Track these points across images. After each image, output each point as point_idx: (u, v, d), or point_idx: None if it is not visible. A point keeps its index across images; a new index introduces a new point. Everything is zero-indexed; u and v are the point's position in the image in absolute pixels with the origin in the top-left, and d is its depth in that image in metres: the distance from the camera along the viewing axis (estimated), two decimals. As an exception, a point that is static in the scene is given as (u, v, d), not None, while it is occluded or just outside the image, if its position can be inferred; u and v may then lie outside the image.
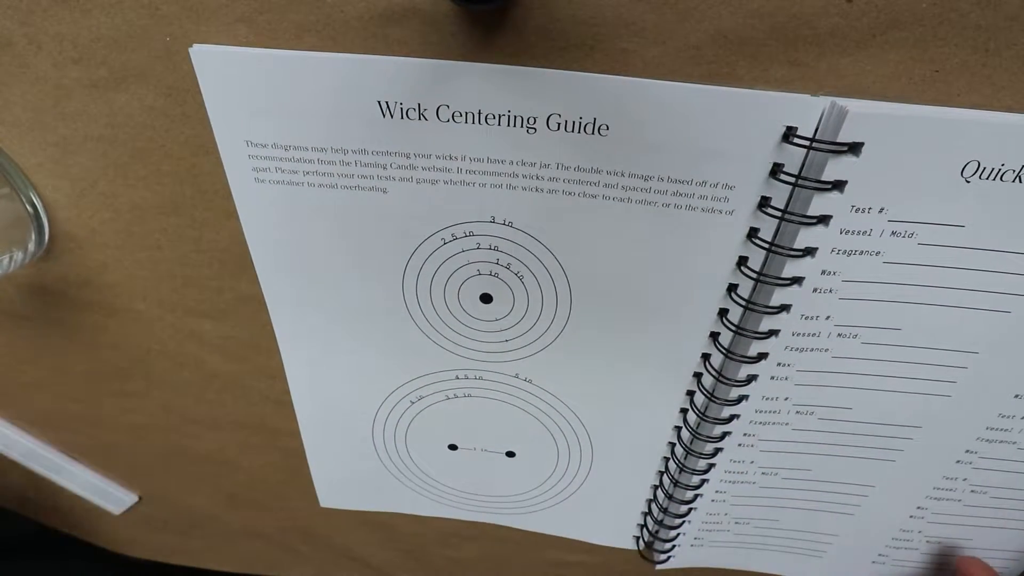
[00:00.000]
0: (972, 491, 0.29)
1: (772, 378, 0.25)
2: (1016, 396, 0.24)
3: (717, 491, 0.31)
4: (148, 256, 0.26)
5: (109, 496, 0.42)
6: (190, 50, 0.20)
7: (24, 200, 0.25)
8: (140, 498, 0.44)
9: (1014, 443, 0.26)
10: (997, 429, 0.26)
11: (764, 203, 0.21)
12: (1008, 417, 0.25)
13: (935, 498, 0.29)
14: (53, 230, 0.26)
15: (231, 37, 0.20)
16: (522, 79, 0.19)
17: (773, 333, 0.24)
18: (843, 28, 0.17)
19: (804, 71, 0.18)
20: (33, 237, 0.26)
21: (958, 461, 0.27)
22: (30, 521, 0.47)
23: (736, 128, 0.19)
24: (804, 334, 0.24)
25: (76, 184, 0.24)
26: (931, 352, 0.24)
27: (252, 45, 0.20)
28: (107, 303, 0.28)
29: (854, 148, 0.19)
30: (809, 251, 0.21)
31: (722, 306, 0.24)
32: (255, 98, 0.20)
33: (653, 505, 0.33)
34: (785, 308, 0.23)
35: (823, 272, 0.22)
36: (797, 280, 0.22)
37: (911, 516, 0.31)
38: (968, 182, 0.19)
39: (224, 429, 0.35)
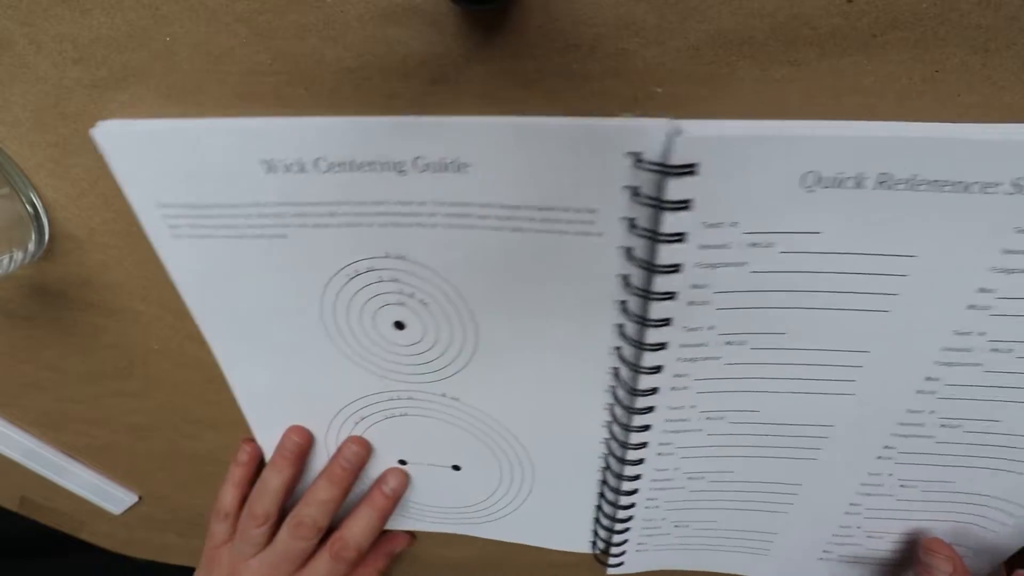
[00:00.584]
0: (902, 486, 0.29)
1: (673, 388, 0.26)
2: (919, 392, 0.25)
3: (649, 498, 0.32)
4: (148, 256, 0.26)
5: (109, 496, 0.42)
6: (92, 130, 0.22)
7: (24, 200, 0.25)
8: (140, 498, 0.44)
9: (931, 437, 0.27)
10: (909, 424, 0.26)
11: (633, 223, 0.22)
12: (916, 412, 0.26)
13: (865, 494, 0.30)
14: (53, 230, 0.26)
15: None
16: (387, 128, 0.20)
17: (662, 346, 0.25)
18: (843, 28, 0.17)
19: (804, 71, 0.18)
20: (33, 237, 0.26)
21: (879, 457, 0.28)
22: (30, 521, 0.47)
23: (588, 156, 0.20)
24: (692, 344, 0.25)
25: (76, 184, 0.24)
26: (821, 353, 0.24)
27: (164, 111, 0.21)
28: (107, 303, 0.28)
29: (692, 168, 0.20)
30: (675, 267, 0.22)
31: (618, 321, 0.25)
32: (159, 164, 0.22)
33: (601, 512, 0.34)
34: (666, 321, 0.24)
35: (694, 286, 0.23)
36: (670, 295, 0.23)
37: (846, 512, 0.31)
38: (811, 191, 0.20)
39: (224, 429, 0.35)
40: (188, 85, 0.21)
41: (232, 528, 0.35)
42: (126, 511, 0.44)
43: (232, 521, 0.35)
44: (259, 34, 0.19)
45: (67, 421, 0.37)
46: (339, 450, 0.33)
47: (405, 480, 0.35)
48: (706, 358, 0.25)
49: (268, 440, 0.34)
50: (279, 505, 0.33)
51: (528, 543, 0.38)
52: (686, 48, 0.18)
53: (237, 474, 0.35)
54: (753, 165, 0.19)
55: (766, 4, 0.17)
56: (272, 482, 0.33)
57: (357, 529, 0.34)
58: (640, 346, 0.25)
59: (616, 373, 0.27)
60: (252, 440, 0.34)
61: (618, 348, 0.26)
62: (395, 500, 0.35)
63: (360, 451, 0.33)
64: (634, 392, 0.26)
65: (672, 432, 0.28)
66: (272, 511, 0.33)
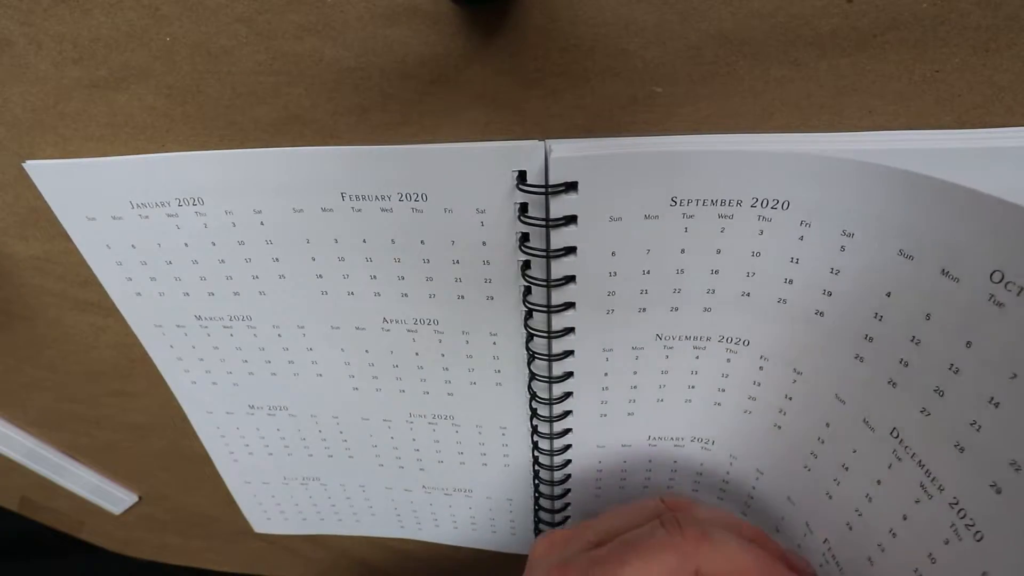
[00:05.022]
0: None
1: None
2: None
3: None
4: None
5: (109, 496, 0.42)
6: (23, 165, 0.23)
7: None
8: (140, 498, 0.44)
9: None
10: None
11: (525, 239, 0.23)
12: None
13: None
14: (53, 229, 0.26)
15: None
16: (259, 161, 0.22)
17: (569, 353, 0.26)
18: (843, 28, 0.17)
19: (804, 71, 0.18)
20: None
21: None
22: (30, 521, 0.47)
23: (484, 178, 0.21)
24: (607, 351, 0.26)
25: (76, 184, 0.24)
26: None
27: (89, 150, 0.23)
28: (107, 303, 0.28)
29: (573, 187, 0.20)
30: (569, 279, 0.23)
31: (527, 333, 0.26)
32: (89, 197, 0.24)
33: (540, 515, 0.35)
34: (570, 330, 0.25)
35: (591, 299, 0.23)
36: (570, 305, 0.24)
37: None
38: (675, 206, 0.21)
39: (224, 429, 0.35)
40: (188, 85, 0.21)
41: None
42: (126, 511, 0.44)
43: None
44: (259, 34, 0.19)
45: (67, 421, 0.37)
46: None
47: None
48: (616, 372, 0.26)
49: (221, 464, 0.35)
50: None
51: (471, 547, 0.39)
52: (686, 48, 0.18)
53: None
54: (628, 183, 0.20)
55: (766, 4, 0.17)
56: None
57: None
58: (544, 358, 0.26)
59: (532, 397, 0.28)
60: None
61: (530, 361, 0.27)
62: None
63: None
64: (548, 419, 0.28)
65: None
66: None
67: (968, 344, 0.18)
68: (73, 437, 0.39)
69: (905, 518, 0.21)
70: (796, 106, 0.19)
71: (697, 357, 0.25)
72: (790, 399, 0.25)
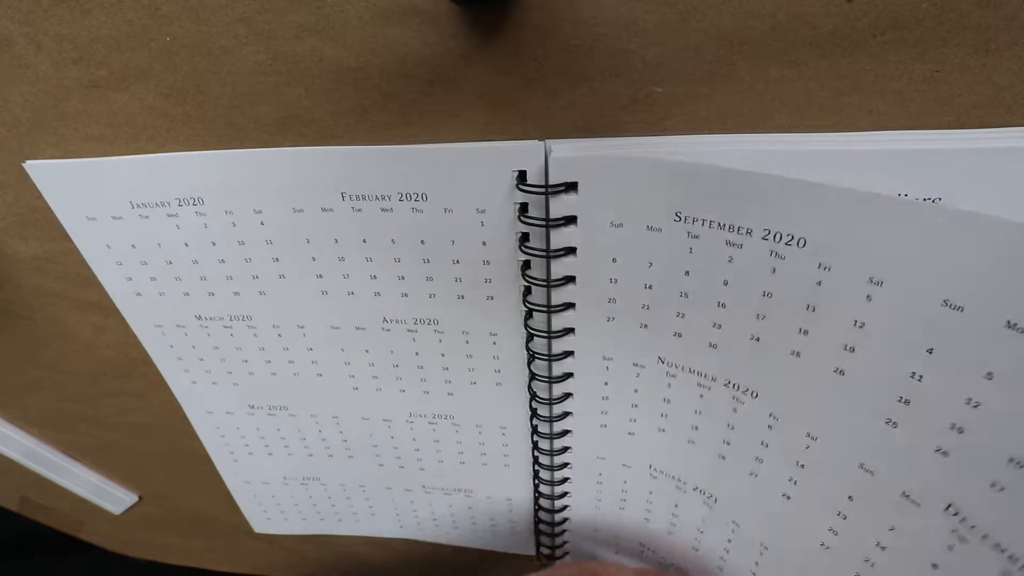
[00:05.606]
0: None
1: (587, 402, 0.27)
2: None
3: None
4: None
5: (109, 496, 0.42)
6: (23, 165, 0.23)
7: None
8: (140, 498, 0.44)
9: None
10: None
11: (525, 239, 0.23)
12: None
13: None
14: (55, 229, 0.26)
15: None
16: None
17: (569, 354, 0.26)
18: (843, 28, 0.17)
19: (804, 71, 0.18)
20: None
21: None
22: (30, 521, 0.47)
23: (484, 178, 0.21)
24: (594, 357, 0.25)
25: (76, 184, 0.24)
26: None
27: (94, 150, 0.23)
28: (107, 303, 0.28)
29: (573, 187, 0.20)
30: (569, 279, 0.23)
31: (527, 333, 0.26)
32: (89, 197, 0.24)
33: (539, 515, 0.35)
34: (570, 330, 0.25)
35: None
36: (570, 305, 0.24)
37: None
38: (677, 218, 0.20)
39: (224, 429, 0.35)
40: (188, 85, 0.21)
41: None
42: (126, 511, 0.44)
43: None
44: (259, 34, 0.19)
45: (67, 421, 0.37)
46: None
47: None
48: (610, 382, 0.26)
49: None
50: None
51: (477, 547, 0.39)
52: (686, 48, 0.18)
53: None
54: (629, 184, 0.20)
55: (766, 4, 0.17)
56: None
57: None
58: (543, 357, 0.26)
59: (531, 400, 0.28)
60: None
61: (530, 361, 0.27)
62: None
63: None
64: (547, 419, 0.28)
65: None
66: None
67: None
68: (73, 437, 0.39)
69: (892, 528, 0.20)
70: (796, 106, 0.19)
71: (701, 396, 0.24)
72: (802, 467, 0.22)
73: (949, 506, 0.18)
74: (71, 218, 0.25)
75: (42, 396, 0.36)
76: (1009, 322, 0.15)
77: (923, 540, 0.19)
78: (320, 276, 0.25)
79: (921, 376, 0.17)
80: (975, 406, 0.16)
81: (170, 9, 0.19)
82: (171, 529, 0.46)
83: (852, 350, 0.19)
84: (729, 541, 0.28)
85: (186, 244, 0.25)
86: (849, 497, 0.21)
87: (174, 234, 0.25)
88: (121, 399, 0.35)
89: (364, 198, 0.22)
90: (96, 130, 0.22)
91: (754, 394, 0.23)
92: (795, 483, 0.23)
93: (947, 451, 0.18)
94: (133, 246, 0.25)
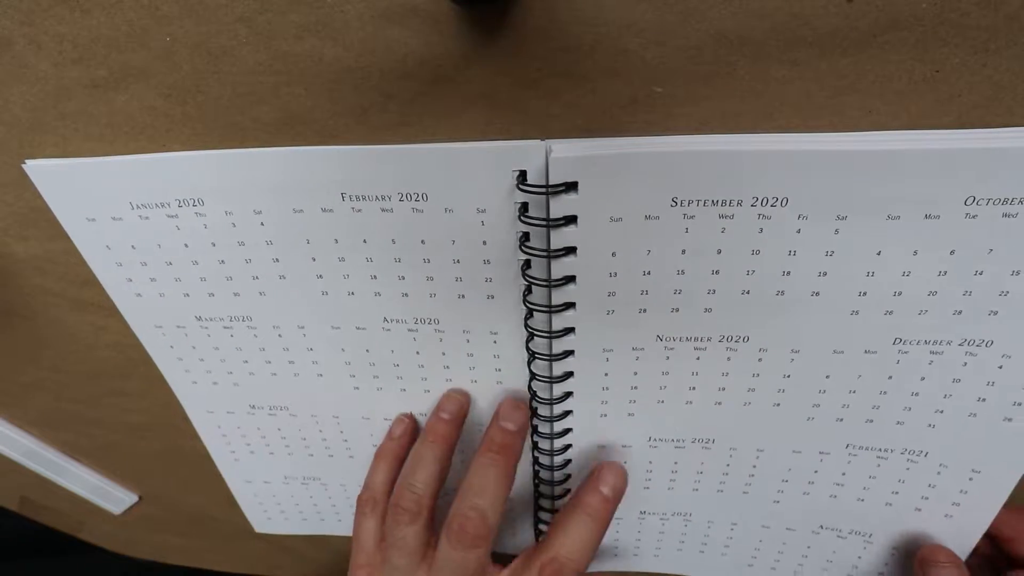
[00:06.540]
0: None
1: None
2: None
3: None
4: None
5: (109, 496, 0.42)
6: (23, 165, 0.23)
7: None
8: (140, 498, 0.44)
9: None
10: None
11: (525, 238, 0.23)
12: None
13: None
14: (54, 229, 0.26)
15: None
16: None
17: (569, 353, 0.26)
18: (843, 28, 0.17)
19: (804, 71, 0.18)
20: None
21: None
22: (30, 521, 0.47)
23: (484, 178, 0.21)
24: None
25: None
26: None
27: (88, 150, 0.23)
28: (107, 303, 0.28)
29: (573, 187, 0.20)
30: (569, 279, 0.23)
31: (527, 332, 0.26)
32: (89, 197, 0.24)
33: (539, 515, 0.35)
34: (570, 330, 0.25)
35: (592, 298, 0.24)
36: (571, 305, 0.24)
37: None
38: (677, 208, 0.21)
39: (224, 429, 0.35)
40: (188, 85, 0.21)
41: (381, 522, 0.29)
42: (126, 511, 0.44)
43: (381, 512, 0.29)
44: (259, 34, 0.19)
45: (67, 421, 0.37)
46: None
47: (625, 479, 0.29)
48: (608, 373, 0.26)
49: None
50: (434, 496, 0.28)
51: None
52: (686, 48, 0.18)
53: (389, 450, 0.30)
54: (630, 182, 0.20)
55: (766, 4, 0.17)
56: (427, 457, 0.27)
57: (572, 544, 0.26)
58: (544, 358, 0.26)
59: (532, 397, 0.28)
60: (409, 415, 0.31)
61: (530, 361, 0.27)
62: (616, 505, 0.28)
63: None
64: (547, 419, 0.28)
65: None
66: (426, 501, 0.27)
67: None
68: (73, 437, 0.39)
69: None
70: (796, 106, 0.19)
71: (698, 358, 0.25)
72: (788, 377, 0.25)
73: (896, 340, 0.24)
74: (71, 218, 0.25)
75: (42, 396, 0.36)
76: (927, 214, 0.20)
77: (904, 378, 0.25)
78: (320, 276, 0.25)
79: (866, 292, 0.22)
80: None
81: (170, 9, 0.19)
82: (171, 529, 0.46)
83: (825, 275, 0.22)
84: (728, 465, 0.30)
85: (186, 245, 0.25)
86: (827, 376, 0.25)
87: (174, 234, 0.25)
88: (121, 399, 0.35)
89: (364, 198, 0.22)
90: (96, 130, 0.22)
91: (745, 339, 0.25)
92: (783, 392, 0.26)
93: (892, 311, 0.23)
94: (133, 247, 0.25)
